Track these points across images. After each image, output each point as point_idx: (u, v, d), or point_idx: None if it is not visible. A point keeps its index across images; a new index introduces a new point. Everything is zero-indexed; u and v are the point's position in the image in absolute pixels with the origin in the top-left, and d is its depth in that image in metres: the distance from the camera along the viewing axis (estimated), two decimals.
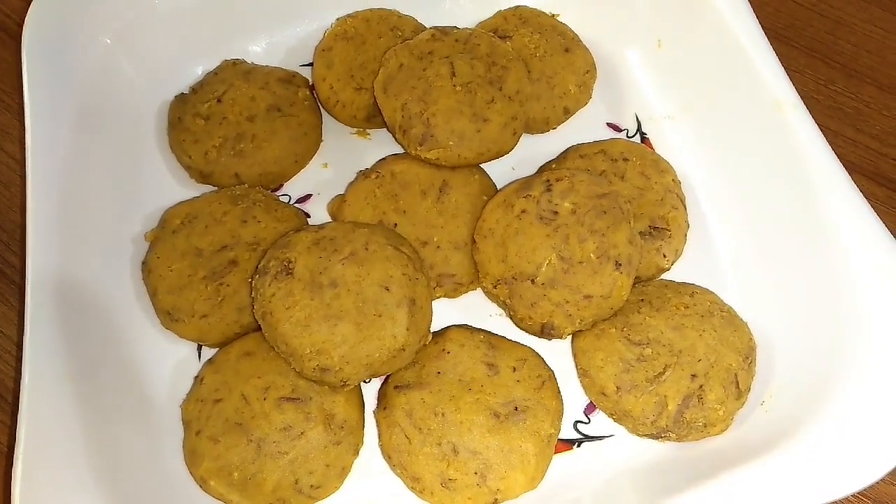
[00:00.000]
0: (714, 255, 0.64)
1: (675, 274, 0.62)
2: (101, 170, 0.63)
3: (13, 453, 0.46)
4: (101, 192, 0.62)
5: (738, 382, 0.53)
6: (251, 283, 0.56)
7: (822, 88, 0.78)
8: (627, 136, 0.71)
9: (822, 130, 0.58)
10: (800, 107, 0.59)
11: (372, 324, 0.52)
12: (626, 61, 0.74)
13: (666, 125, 0.71)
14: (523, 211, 0.58)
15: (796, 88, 0.60)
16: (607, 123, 0.72)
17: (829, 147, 0.57)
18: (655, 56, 0.72)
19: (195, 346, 0.60)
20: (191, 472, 0.52)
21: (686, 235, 0.62)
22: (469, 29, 0.67)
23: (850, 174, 0.56)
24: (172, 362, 0.59)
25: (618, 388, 0.54)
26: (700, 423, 0.52)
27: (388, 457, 0.54)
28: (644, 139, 0.71)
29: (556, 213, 0.57)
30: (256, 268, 0.56)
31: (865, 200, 0.54)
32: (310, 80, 0.72)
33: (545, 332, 0.57)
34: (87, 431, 0.49)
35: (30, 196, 0.55)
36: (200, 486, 0.52)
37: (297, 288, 0.53)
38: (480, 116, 0.61)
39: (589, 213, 0.56)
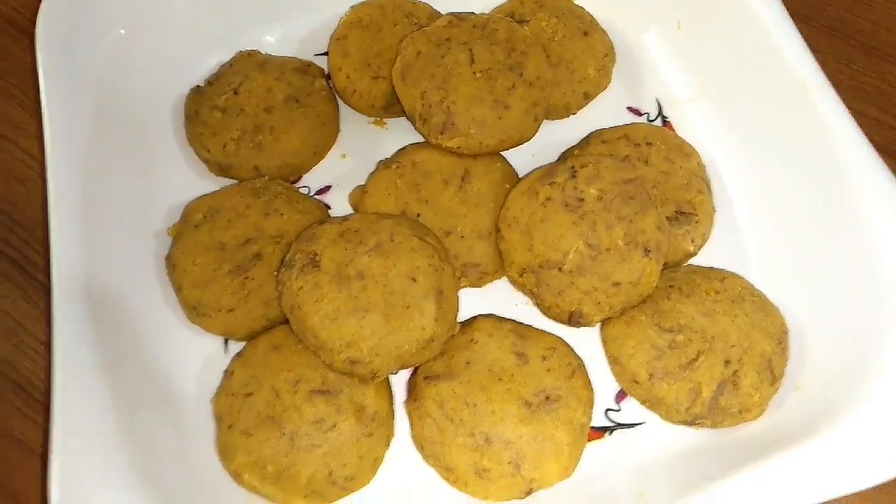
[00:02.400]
0: (741, 239, 0.63)
1: (703, 259, 0.61)
2: (120, 164, 0.62)
3: (47, 452, 0.45)
4: (122, 187, 0.61)
5: (772, 368, 0.52)
6: (277, 276, 0.55)
7: (844, 68, 0.77)
8: (649, 120, 0.71)
9: None
10: (826, 87, 0.58)
11: (400, 315, 0.52)
12: (645, 44, 0.73)
13: (688, 108, 0.70)
14: (548, 198, 0.57)
15: None
16: (628, 108, 0.72)
17: (859, 128, 0.56)
18: (675, 38, 0.71)
19: (221, 340, 0.60)
20: (224, 466, 0.52)
21: (713, 219, 0.62)
22: (486, 14, 0.66)
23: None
24: (200, 357, 0.59)
25: (650, 375, 0.53)
26: (735, 409, 0.51)
27: (420, 447, 0.53)
28: (666, 123, 0.70)
29: (581, 199, 0.56)
30: (282, 261, 0.55)
31: None
32: (325, 69, 0.71)
33: (573, 320, 0.57)
34: (120, 428, 0.49)
35: (51, 192, 0.54)
36: (234, 480, 0.52)
37: (324, 281, 0.52)
38: (501, 103, 0.61)
39: (616, 199, 0.55)
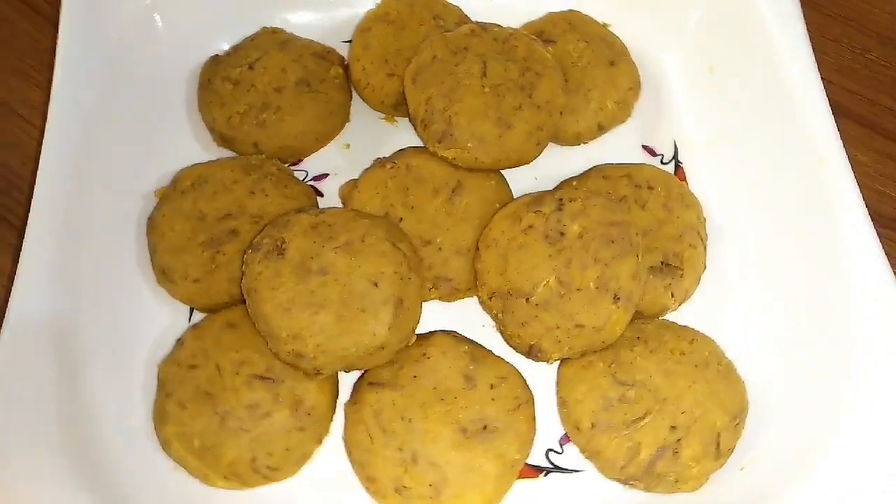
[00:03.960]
0: (726, 303, 0.60)
1: (681, 315, 0.59)
2: (124, 124, 0.63)
3: None
4: (122, 145, 0.62)
5: (719, 443, 0.50)
6: (244, 255, 0.55)
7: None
8: (662, 162, 0.68)
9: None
10: (842, 166, 0.55)
11: (354, 318, 0.51)
12: (673, 83, 0.71)
13: (704, 157, 0.67)
14: (530, 226, 0.56)
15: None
16: (643, 146, 0.69)
17: (866, 214, 0.53)
18: (705, 82, 0.69)
19: (188, 309, 0.60)
20: (156, 432, 0.53)
21: (700, 277, 0.59)
22: (511, 28, 0.64)
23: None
24: (162, 322, 0.59)
25: (593, 424, 0.52)
26: (671, 478, 0.50)
27: (348, 452, 0.53)
28: (678, 168, 0.68)
29: (562, 234, 0.55)
30: (251, 241, 0.55)
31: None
32: (346, 58, 0.71)
33: (532, 353, 0.55)
34: (59, 381, 0.50)
35: (46, 138, 0.56)
36: (162, 447, 0.52)
37: (286, 270, 0.52)
38: (505, 122, 0.59)
39: (596, 239, 0.54)
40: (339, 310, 0.51)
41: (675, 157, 0.68)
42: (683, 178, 0.67)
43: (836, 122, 0.57)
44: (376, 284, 0.52)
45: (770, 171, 0.61)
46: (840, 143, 0.56)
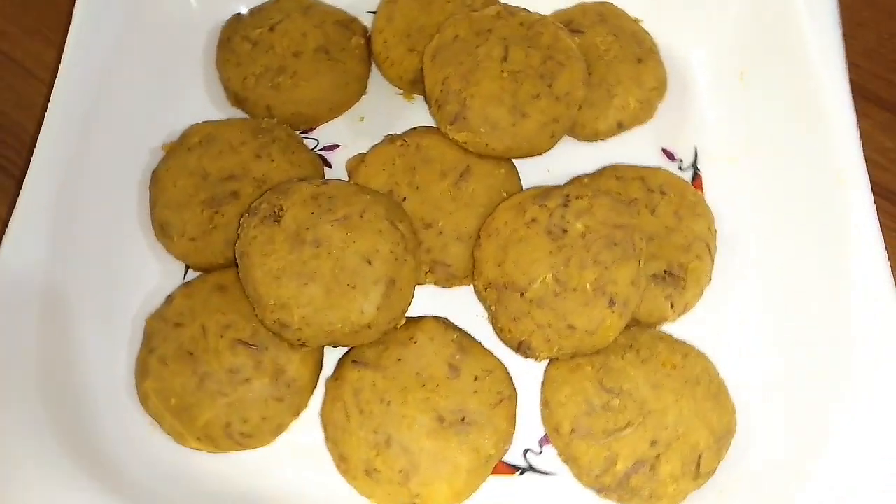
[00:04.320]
0: (727, 320, 0.58)
1: (680, 327, 0.57)
2: (139, 77, 0.62)
3: None
4: (134, 98, 0.62)
5: (700, 463, 0.49)
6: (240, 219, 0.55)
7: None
8: (680, 168, 0.66)
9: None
10: (862, 189, 0.52)
11: (343, 293, 0.50)
12: (700, 87, 0.68)
13: (724, 167, 0.65)
14: (533, 219, 0.54)
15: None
16: (662, 149, 0.67)
17: (884, 252, 0.51)
18: (733, 90, 0.66)
19: (183, 267, 0.60)
20: (136, 385, 0.53)
21: (703, 290, 0.58)
22: (538, 14, 0.62)
23: None
24: (156, 278, 0.59)
25: (573, 429, 0.50)
26: (646, 493, 0.48)
27: (324, 427, 0.53)
28: (696, 175, 0.66)
29: (565, 231, 0.53)
30: (249, 205, 0.55)
31: None
32: (370, 29, 0.70)
33: (521, 349, 0.54)
34: (44, 324, 0.50)
35: (56, 85, 0.55)
36: (140, 401, 0.52)
37: (280, 238, 0.51)
38: (520, 110, 0.58)
39: (598, 240, 0.52)
40: (328, 283, 0.50)
41: (694, 163, 0.66)
42: (700, 187, 0.65)
43: (862, 106, 0.54)
44: (370, 262, 0.51)
45: (788, 190, 0.59)
46: (864, 168, 0.54)
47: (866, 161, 0.54)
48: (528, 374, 0.56)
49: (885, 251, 0.51)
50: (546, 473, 0.54)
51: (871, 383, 0.48)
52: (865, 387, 0.48)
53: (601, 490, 0.50)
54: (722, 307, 0.59)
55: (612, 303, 0.51)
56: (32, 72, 0.71)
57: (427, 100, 0.62)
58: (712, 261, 0.58)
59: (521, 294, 0.53)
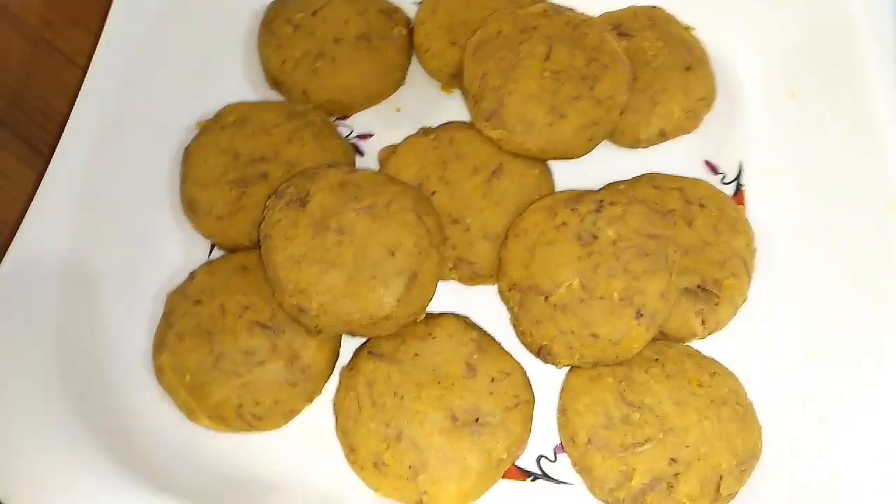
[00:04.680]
0: (760, 341, 0.56)
1: (710, 345, 0.55)
2: (179, 55, 0.63)
3: None
4: (173, 75, 0.62)
5: (720, 486, 0.46)
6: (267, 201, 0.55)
7: None
8: (723, 182, 0.64)
9: None
10: None
11: (363, 283, 0.50)
12: (750, 102, 0.66)
13: (768, 184, 0.63)
14: (564, 223, 0.53)
15: None
16: (706, 161, 0.65)
17: None
18: (784, 107, 0.64)
19: (209, 245, 0.60)
20: (152, 358, 0.53)
21: (737, 309, 0.55)
22: (585, 15, 0.61)
23: None
24: (181, 255, 0.59)
25: (589, 440, 0.49)
26: None
27: (335, 416, 0.52)
28: (739, 191, 0.63)
29: (595, 237, 0.52)
30: (277, 188, 0.54)
31: None
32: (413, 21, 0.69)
33: (542, 354, 0.53)
34: (68, 294, 0.50)
35: (94, 58, 0.55)
36: (156, 375, 0.52)
37: (304, 222, 0.51)
38: (558, 111, 0.56)
39: (630, 249, 0.50)
40: (350, 272, 0.50)
41: (737, 178, 0.64)
42: (742, 203, 0.62)
43: None
44: (393, 254, 0.50)
45: (834, 213, 0.56)
46: None
47: None
48: (548, 380, 0.55)
49: None
50: (559, 482, 0.52)
51: (890, 427, 0.46)
52: (885, 431, 0.46)
53: None
54: (756, 327, 0.57)
55: (639, 314, 0.49)
56: (74, 60, 0.71)
57: (464, 94, 0.61)
58: (749, 279, 0.56)
59: (546, 298, 0.52)
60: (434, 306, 0.55)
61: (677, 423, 0.48)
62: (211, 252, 0.60)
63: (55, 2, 0.74)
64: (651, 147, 0.65)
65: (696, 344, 0.55)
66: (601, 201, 0.53)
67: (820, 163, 0.59)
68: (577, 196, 0.54)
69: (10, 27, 0.72)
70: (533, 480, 0.52)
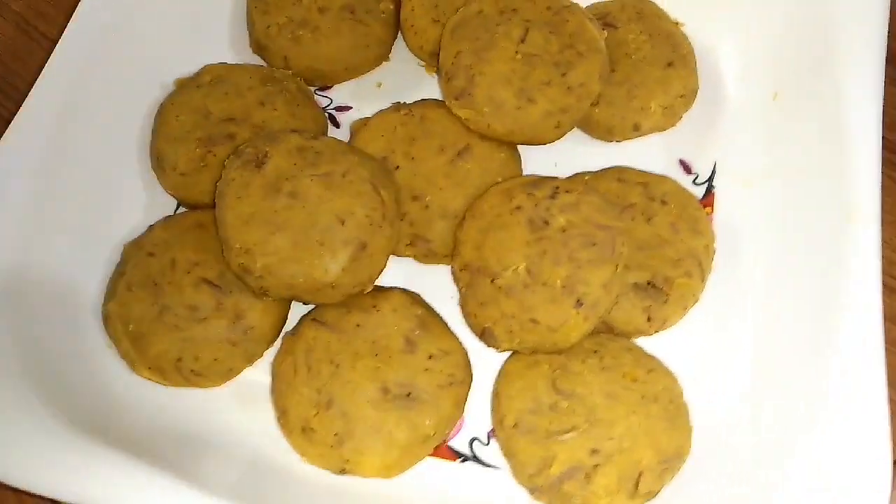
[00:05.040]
0: (708, 344, 0.55)
1: (657, 343, 0.55)
2: (162, 15, 0.63)
3: None
4: (151, 36, 0.63)
5: (639, 482, 0.46)
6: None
7: None
8: (695, 182, 0.63)
9: None
10: (870, 231, 0.49)
11: (309, 248, 0.50)
12: (733, 102, 0.65)
13: (740, 188, 0.61)
14: (518, 207, 0.53)
15: None
16: (680, 160, 0.64)
17: (879, 294, 0.47)
18: (765, 109, 0.62)
19: (174, 203, 0.61)
20: (101, 306, 0.54)
21: (687, 309, 0.55)
22: (569, 1, 0.60)
23: None
24: (146, 210, 0.60)
25: (516, 424, 0.49)
26: (577, 502, 0.46)
27: (271, 379, 0.53)
28: (710, 192, 0.62)
29: (547, 223, 0.51)
30: (237, 147, 0.55)
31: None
32: None
33: (484, 336, 0.53)
34: (20, 228, 0.51)
35: (78, 9, 0.56)
36: (103, 322, 0.53)
37: (257, 183, 0.51)
38: (527, 94, 0.56)
39: (578, 238, 0.50)
40: (296, 236, 0.50)
41: (709, 180, 0.63)
42: (711, 205, 0.61)
43: None
44: (343, 222, 0.51)
45: (798, 221, 0.55)
46: (878, 210, 0.50)
47: None
48: (493, 364, 0.55)
49: (882, 296, 0.47)
50: (488, 465, 0.52)
51: (836, 438, 0.45)
52: (830, 441, 0.45)
53: (534, 490, 0.48)
54: (706, 330, 0.56)
55: (579, 303, 0.49)
56: None
57: (438, 72, 0.61)
58: (703, 280, 0.55)
59: (492, 280, 0.52)
60: (388, 281, 0.56)
61: (604, 416, 0.48)
62: (176, 209, 0.61)
63: None
64: (626, 141, 0.64)
65: (645, 341, 0.55)
66: (557, 188, 0.52)
67: (791, 170, 0.58)
68: (536, 181, 0.54)
69: None
70: (462, 462, 0.53)
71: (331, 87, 0.68)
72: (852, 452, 0.45)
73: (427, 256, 0.58)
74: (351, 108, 0.67)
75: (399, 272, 0.57)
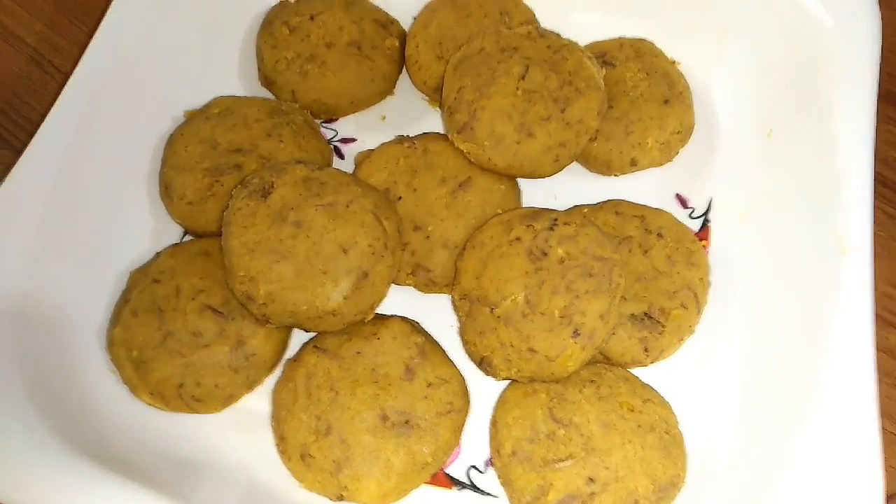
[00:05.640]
0: (703, 375, 0.56)
1: (653, 374, 0.55)
2: (174, 47, 0.65)
3: None
4: (162, 69, 0.65)
5: None
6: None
7: None
8: (691, 216, 0.64)
9: None
10: (862, 265, 0.50)
11: (312, 277, 0.51)
12: (728, 139, 0.66)
13: (735, 222, 0.63)
14: (517, 238, 0.54)
15: None
16: (677, 194, 0.65)
17: (871, 327, 0.48)
18: (760, 146, 0.64)
19: (181, 231, 0.62)
20: (106, 332, 0.55)
21: (683, 340, 0.56)
22: (568, 40, 0.62)
23: None
24: (153, 238, 0.61)
25: (513, 452, 0.49)
26: None
27: (272, 405, 0.53)
28: (705, 226, 0.63)
29: (545, 254, 0.52)
30: (244, 177, 0.56)
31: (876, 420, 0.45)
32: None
33: (483, 365, 0.54)
34: (30, 257, 0.52)
35: (94, 39, 0.58)
36: (107, 347, 0.54)
37: (263, 213, 0.53)
38: (527, 129, 0.58)
39: (575, 269, 0.51)
40: (300, 265, 0.51)
41: (705, 214, 0.64)
42: (707, 238, 0.63)
43: None
44: (346, 252, 0.52)
45: (792, 255, 0.56)
46: (869, 243, 0.51)
47: None
48: (492, 393, 0.55)
49: (874, 328, 0.48)
50: (485, 493, 0.52)
51: (827, 470, 0.45)
52: (821, 474, 0.45)
53: None
54: (701, 361, 0.57)
55: (576, 333, 0.50)
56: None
57: (441, 106, 0.63)
58: (699, 312, 0.56)
59: (491, 310, 0.52)
60: (388, 310, 0.57)
61: (601, 445, 0.48)
62: (183, 237, 0.62)
63: (64, 28, 0.78)
64: (624, 176, 0.65)
65: (641, 371, 0.55)
66: (555, 220, 0.54)
67: (785, 204, 0.59)
68: (535, 213, 0.55)
69: (8, 44, 0.76)
70: (460, 489, 0.53)
71: (336, 119, 0.69)
72: (843, 485, 0.45)
73: (428, 285, 0.59)
74: (355, 140, 0.69)
75: (400, 301, 0.58)
